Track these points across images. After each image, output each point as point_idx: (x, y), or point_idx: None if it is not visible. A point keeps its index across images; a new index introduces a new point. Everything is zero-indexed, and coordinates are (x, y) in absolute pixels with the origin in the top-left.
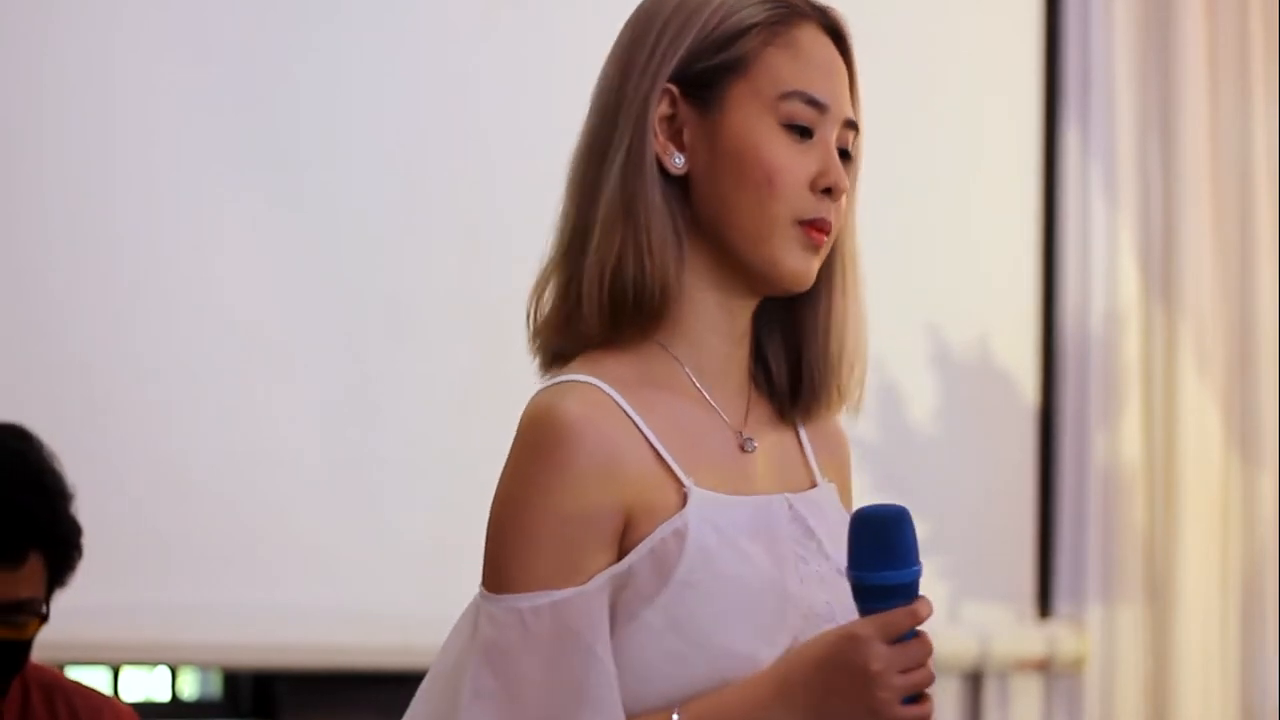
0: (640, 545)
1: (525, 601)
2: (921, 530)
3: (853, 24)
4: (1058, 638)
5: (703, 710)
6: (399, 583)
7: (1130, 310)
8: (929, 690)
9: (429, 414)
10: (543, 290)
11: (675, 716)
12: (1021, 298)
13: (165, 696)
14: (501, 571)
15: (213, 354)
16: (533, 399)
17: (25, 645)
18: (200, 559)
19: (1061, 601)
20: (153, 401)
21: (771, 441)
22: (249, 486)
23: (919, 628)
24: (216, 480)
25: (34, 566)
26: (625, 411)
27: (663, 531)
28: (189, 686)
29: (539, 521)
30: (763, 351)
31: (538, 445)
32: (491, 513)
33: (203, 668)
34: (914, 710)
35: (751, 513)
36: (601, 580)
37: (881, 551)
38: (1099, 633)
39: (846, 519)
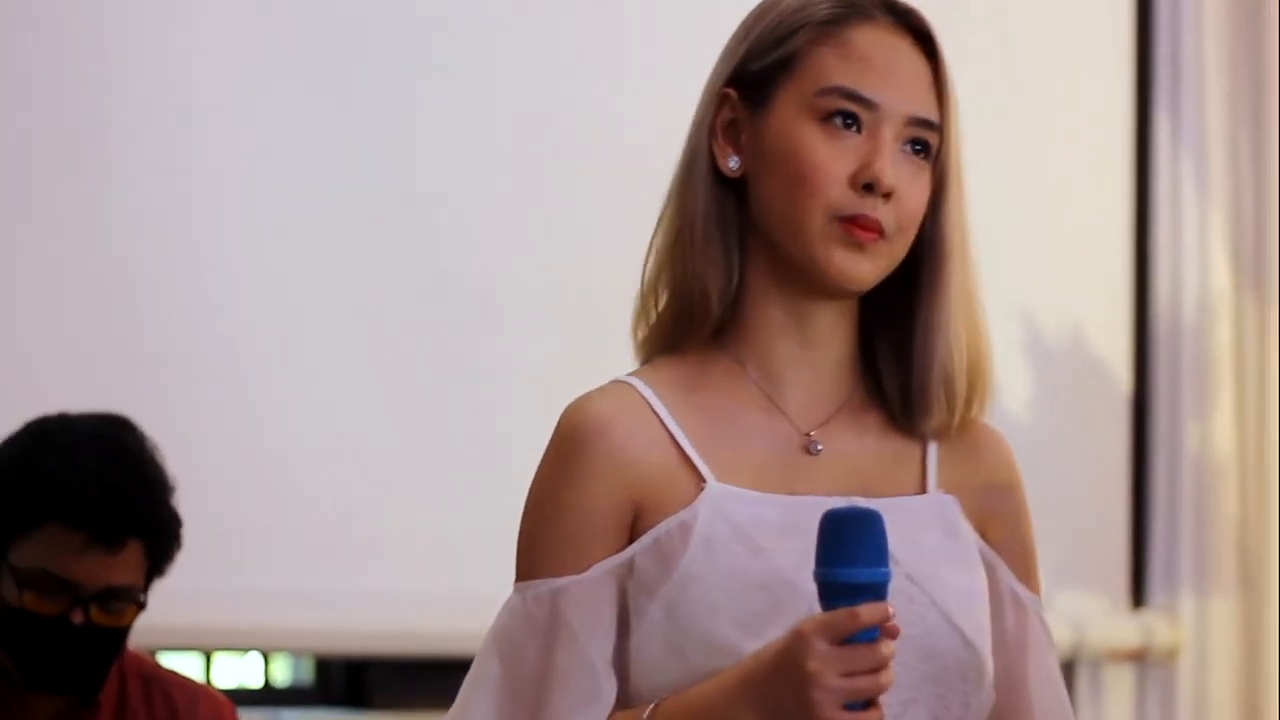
0: (644, 537)
1: (530, 590)
2: None
3: (943, 11)
4: (1151, 628)
5: (677, 703)
6: (491, 570)
7: (1222, 299)
8: (881, 701)
9: (519, 402)
10: (653, 296)
11: (649, 709)
12: (1114, 286)
13: (258, 683)
14: (521, 561)
15: (303, 342)
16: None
17: (122, 632)
18: (293, 546)
19: (1155, 591)
20: (244, 390)
21: (860, 446)
22: (342, 474)
23: (881, 635)
24: (310, 468)
25: (132, 554)
26: (654, 411)
27: (668, 524)
28: (281, 673)
29: (552, 514)
30: (875, 357)
31: (557, 443)
32: (523, 506)
33: (295, 654)
34: (853, 718)
35: (786, 510)
36: (600, 570)
37: (846, 550)
38: (1192, 623)
39: (957, 530)
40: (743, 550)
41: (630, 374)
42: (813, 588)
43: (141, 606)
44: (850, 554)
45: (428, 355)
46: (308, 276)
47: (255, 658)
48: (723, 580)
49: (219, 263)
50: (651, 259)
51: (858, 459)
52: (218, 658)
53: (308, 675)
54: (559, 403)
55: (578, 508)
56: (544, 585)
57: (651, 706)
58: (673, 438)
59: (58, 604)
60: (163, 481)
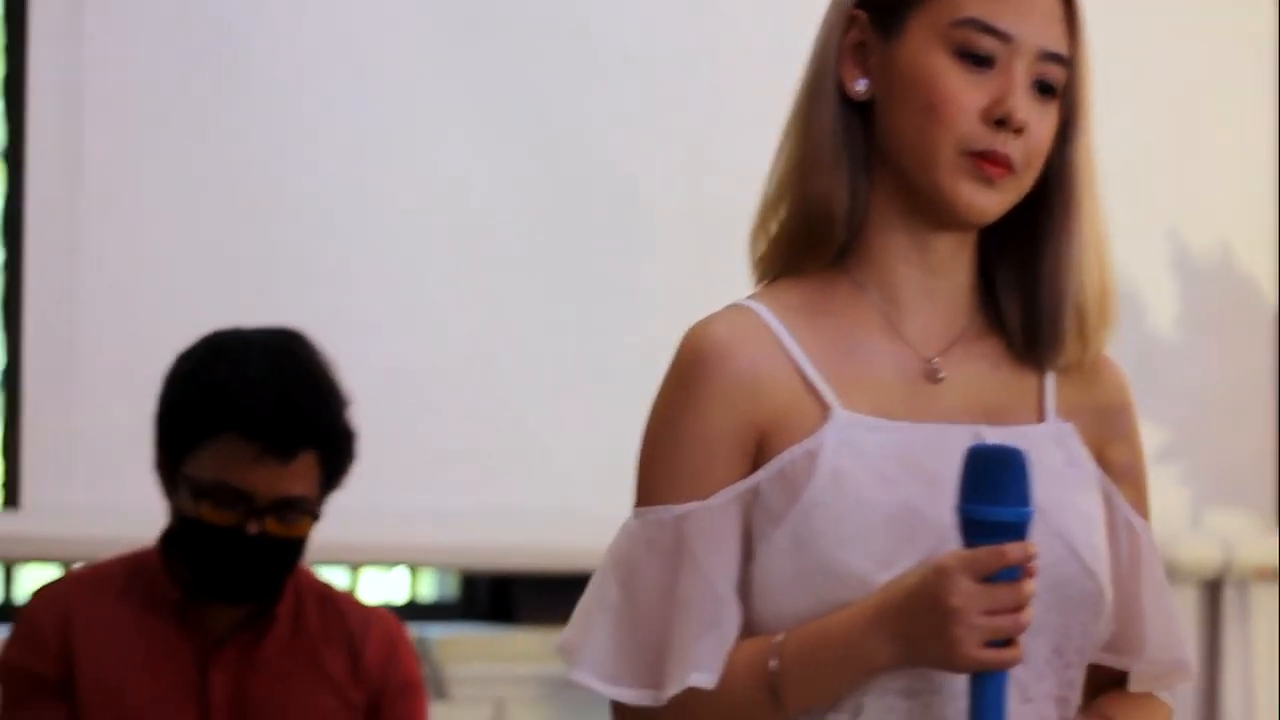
0: (769, 464)
1: (652, 515)
2: (1161, 437)
3: None
4: None
5: (805, 634)
6: (631, 485)
7: None
8: (1021, 640)
9: (668, 316)
10: (770, 215)
11: (779, 638)
12: (1261, 203)
13: (403, 598)
14: (641, 487)
15: (453, 256)
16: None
17: (296, 543)
18: (439, 461)
19: None
20: (394, 305)
21: (979, 374)
22: (488, 391)
23: (1024, 576)
24: (458, 383)
25: (306, 465)
26: (777, 336)
27: (794, 452)
28: (427, 588)
29: (676, 439)
30: (994, 285)
31: (678, 368)
32: (643, 431)
33: (441, 569)
34: (994, 655)
35: (915, 439)
36: (726, 496)
37: (991, 487)
38: None
39: (1075, 460)
40: (870, 479)
41: (750, 297)
42: (942, 519)
43: (315, 518)
44: (995, 492)
45: (577, 269)
46: (458, 188)
47: (401, 572)
48: (851, 510)
49: (369, 175)
50: (775, 176)
51: (978, 386)
52: (365, 572)
53: (453, 590)
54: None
55: (700, 433)
56: (666, 511)
57: (781, 637)
58: (795, 363)
59: (233, 514)
60: (336, 394)
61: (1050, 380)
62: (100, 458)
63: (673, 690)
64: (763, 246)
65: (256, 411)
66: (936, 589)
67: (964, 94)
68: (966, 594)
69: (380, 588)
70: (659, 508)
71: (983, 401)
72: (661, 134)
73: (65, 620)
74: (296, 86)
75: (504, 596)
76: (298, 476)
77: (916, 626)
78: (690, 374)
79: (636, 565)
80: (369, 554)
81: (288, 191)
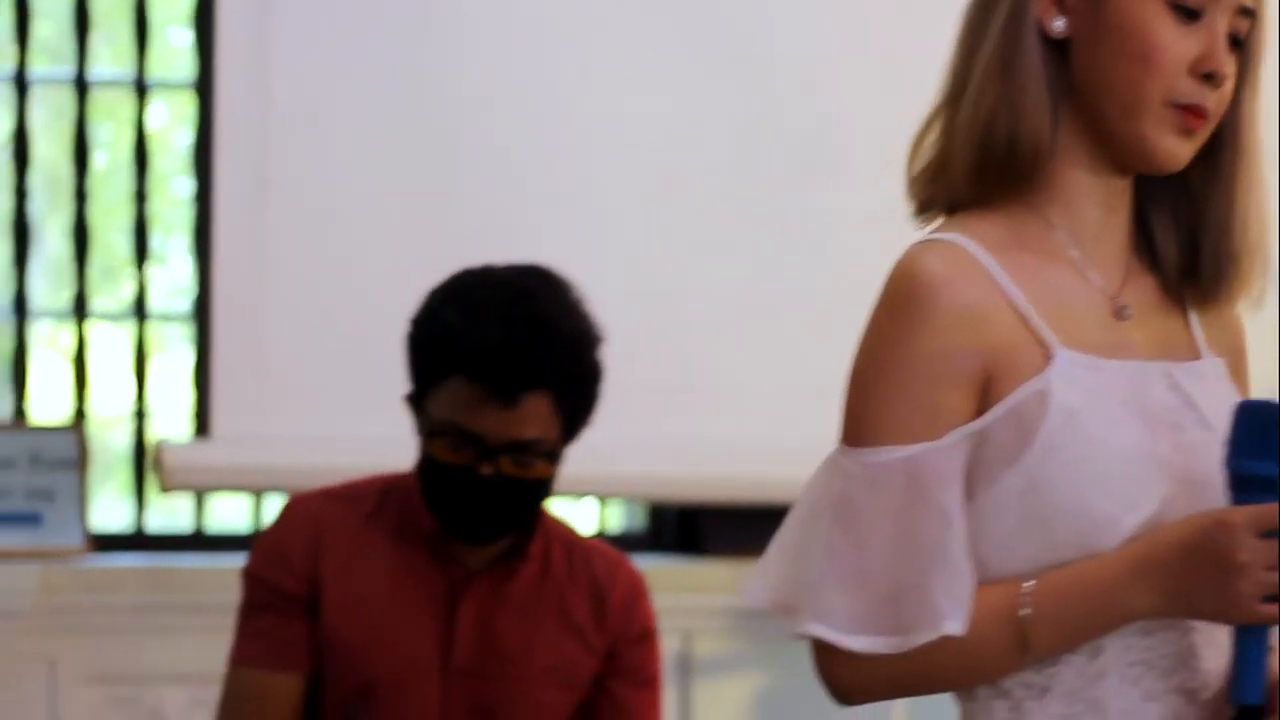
0: (999, 405)
1: (877, 456)
2: None
3: None
4: None
5: (1057, 582)
6: (822, 417)
7: None
8: None
9: (854, 249)
10: (924, 138)
11: (1028, 585)
12: None
13: (591, 528)
14: (856, 425)
15: (640, 193)
16: (899, 257)
17: (534, 485)
18: (628, 392)
19: None
20: (580, 240)
21: (1151, 312)
22: (677, 322)
23: None
24: (644, 316)
25: (539, 408)
26: (989, 272)
27: (1024, 392)
28: (615, 518)
29: (895, 376)
30: (1148, 224)
31: (898, 301)
32: (851, 367)
33: (629, 500)
34: (1271, 609)
35: (1124, 377)
36: (956, 437)
37: (1265, 443)
38: None
39: (1235, 395)
40: (1099, 419)
41: (945, 231)
42: (1171, 457)
43: (553, 460)
44: (1269, 447)
45: (767, 201)
46: (648, 120)
47: (590, 503)
48: (1089, 451)
49: (558, 111)
50: (969, 102)
51: (1153, 324)
52: (553, 503)
53: (640, 521)
54: (888, 252)
55: (924, 369)
56: (893, 452)
57: (1030, 585)
58: (1010, 299)
59: (466, 455)
60: (575, 336)
61: (1194, 319)
62: (289, 388)
63: (924, 638)
64: (939, 175)
65: (481, 354)
66: (1220, 543)
67: (1176, 46)
68: (1253, 549)
69: (568, 518)
70: (884, 449)
71: (1159, 339)
72: (851, 64)
73: (315, 538)
74: (486, 23)
75: (691, 528)
76: (529, 420)
77: (1192, 580)
78: (908, 308)
79: (860, 508)
80: (558, 485)
81: (476, 129)
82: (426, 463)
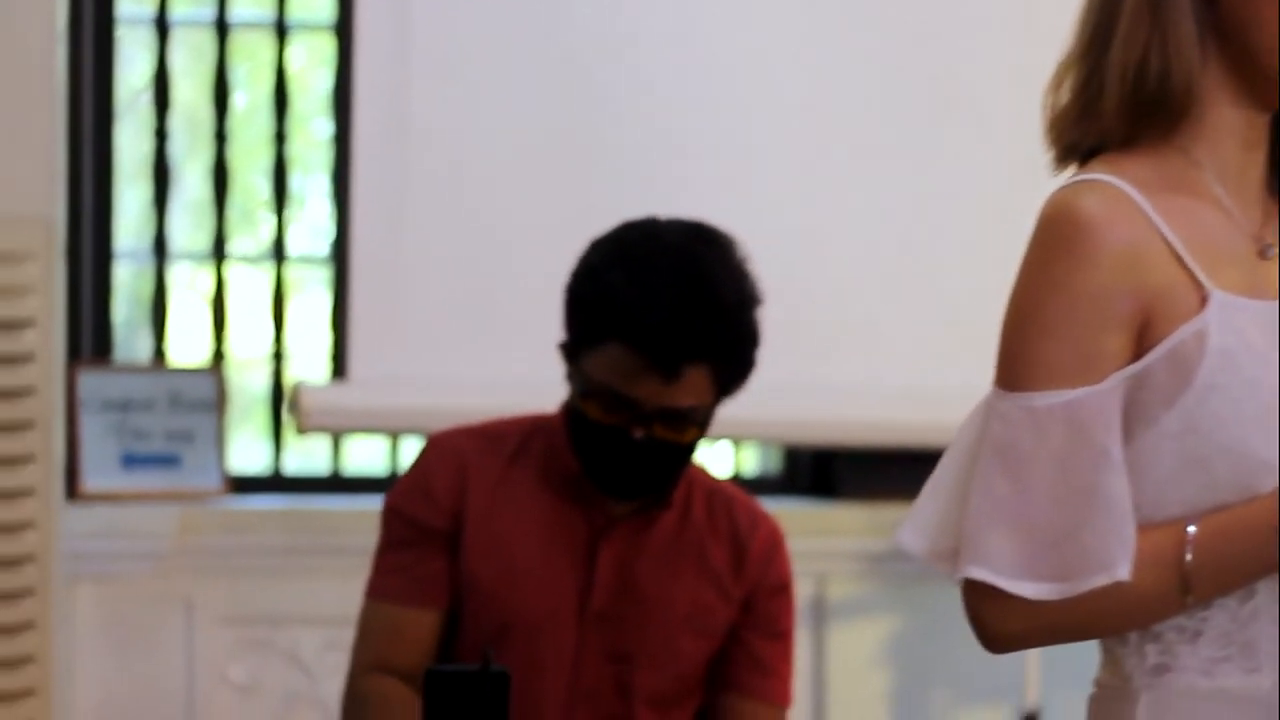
0: (1158, 346)
1: (1038, 400)
2: None
3: None
4: None
5: (1221, 527)
6: (957, 361)
7: None
8: None
9: (990, 194)
10: (1061, 81)
11: (1191, 530)
12: None
13: (726, 471)
14: (1014, 368)
15: (780, 135)
16: (1051, 197)
17: (684, 448)
18: (764, 336)
19: None
20: (721, 181)
21: None
22: (813, 265)
23: None
24: (781, 259)
25: (696, 378)
26: (1145, 212)
27: (1182, 333)
28: (749, 461)
29: (1054, 318)
30: None
31: (1055, 242)
32: (1007, 309)
33: (764, 443)
34: None
35: (1268, 318)
36: (1116, 380)
37: None
38: None
39: None
40: (1254, 360)
41: (1098, 171)
42: None
43: (704, 427)
44: None
45: (907, 143)
46: (790, 62)
47: (724, 446)
48: (1247, 392)
49: (698, 56)
50: (1120, 43)
51: None
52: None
53: (776, 464)
54: (1033, 196)
55: (1085, 306)
56: (1056, 397)
57: (1193, 530)
58: (1166, 240)
59: (619, 418)
60: (737, 303)
61: None
62: (426, 330)
63: (1092, 583)
64: (1065, 103)
65: (645, 326)
66: None
67: None
68: None
69: (704, 461)
70: (1044, 393)
71: None
72: (982, 14)
73: (460, 475)
74: None
75: (826, 471)
76: (685, 390)
77: None
78: (1067, 248)
79: (1023, 453)
80: None
81: (619, 73)
82: (576, 417)
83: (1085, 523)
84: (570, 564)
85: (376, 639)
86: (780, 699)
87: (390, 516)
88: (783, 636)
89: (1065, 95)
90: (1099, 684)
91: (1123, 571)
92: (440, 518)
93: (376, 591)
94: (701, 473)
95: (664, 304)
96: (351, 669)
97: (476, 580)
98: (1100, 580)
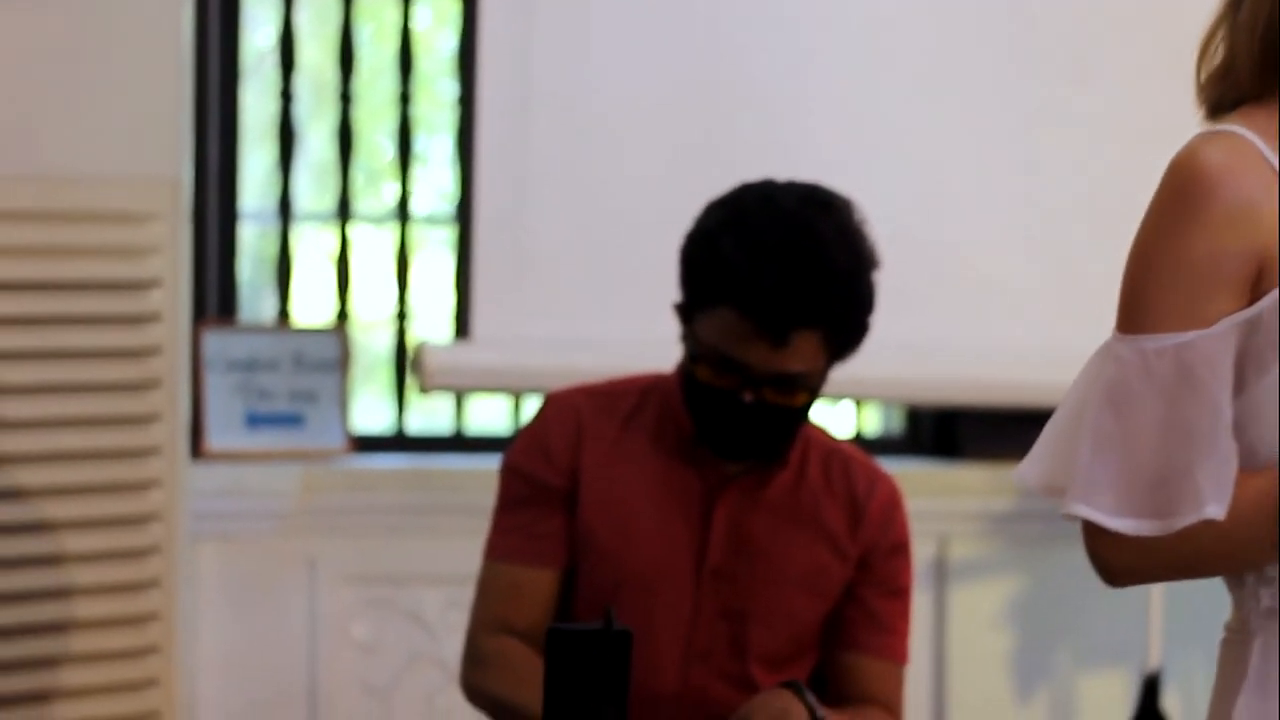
0: (1273, 293)
1: (1150, 343)
2: None
3: None
4: None
5: None
6: (1081, 322)
7: None
8: None
9: (1114, 153)
10: (1210, 42)
11: None
12: None
13: (848, 431)
14: (1130, 311)
15: (902, 93)
16: (1182, 148)
17: (796, 412)
18: (887, 295)
19: None
20: (840, 138)
21: None
22: (937, 224)
23: None
24: (905, 218)
25: (807, 344)
26: (1268, 161)
27: None
28: (872, 422)
29: (1169, 264)
30: None
31: (1175, 191)
32: (1129, 252)
33: (886, 403)
34: None
35: None
36: (1227, 325)
37: None
38: None
39: None
40: None
41: (1230, 123)
42: None
43: (816, 392)
44: None
45: (1025, 103)
46: (909, 19)
47: (847, 406)
48: None
49: (826, 12)
50: (1249, 1)
51: None
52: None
53: (898, 424)
54: (1161, 155)
55: (1201, 259)
56: (1166, 339)
57: None
58: None
59: (730, 381)
60: (849, 268)
61: None
62: (549, 290)
63: (1186, 521)
64: (1215, 63)
65: (755, 292)
66: None
67: None
68: None
69: (824, 421)
70: (1158, 335)
71: None
72: None
73: (577, 433)
74: None
75: (949, 431)
76: (796, 355)
77: None
78: (1189, 199)
79: (1132, 393)
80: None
81: (743, 33)
82: (689, 378)
83: (1185, 464)
84: (685, 522)
85: (495, 599)
86: (898, 656)
87: (508, 475)
88: (900, 594)
89: (1213, 55)
90: (1226, 628)
91: (1214, 511)
92: (558, 476)
93: (495, 551)
94: (820, 432)
95: (774, 270)
96: (470, 629)
97: (592, 538)
98: (1192, 519)
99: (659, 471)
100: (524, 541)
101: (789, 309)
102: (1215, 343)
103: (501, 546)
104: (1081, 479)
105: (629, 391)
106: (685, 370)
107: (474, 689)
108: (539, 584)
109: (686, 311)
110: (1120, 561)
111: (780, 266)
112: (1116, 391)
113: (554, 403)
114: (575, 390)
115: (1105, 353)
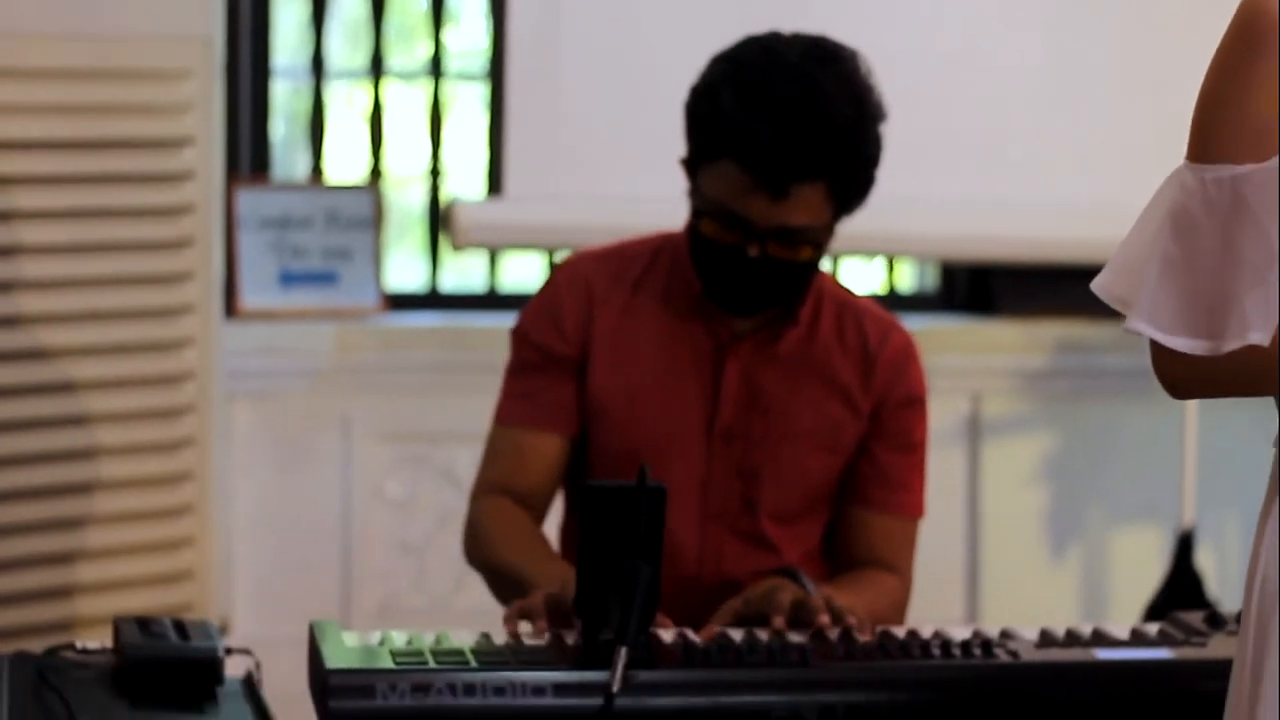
0: None
1: (1210, 173)
2: None
3: None
4: None
5: None
6: (1119, 176)
7: None
8: None
9: (1144, 13)
10: None
11: None
12: None
13: (882, 288)
14: (1197, 142)
15: None
16: None
17: (801, 267)
18: (920, 150)
19: None
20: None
21: None
22: (972, 79)
23: None
24: (940, 73)
25: (810, 197)
26: None
27: None
28: (906, 278)
29: (1233, 100)
30: None
31: (1243, 30)
32: (1201, 85)
33: (920, 259)
34: None
35: None
36: None
37: None
38: None
39: None
40: None
41: None
42: None
43: (821, 247)
44: None
45: None
46: None
47: (880, 263)
48: None
49: None
50: None
51: None
52: (844, 262)
53: (932, 281)
54: (1183, 6)
55: (1262, 98)
56: (1226, 170)
57: None
58: None
59: (733, 236)
60: (851, 121)
61: None
62: (581, 146)
63: (1233, 344)
64: None
65: (753, 146)
66: None
67: None
68: None
69: (859, 278)
70: (1218, 166)
71: None
72: None
73: (586, 301)
74: None
75: (983, 287)
76: (798, 208)
77: None
78: (1257, 36)
79: (1194, 220)
80: (849, 243)
81: None
82: (695, 234)
83: (1237, 290)
84: (696, 381)
85: (499, 461)
86: (911, 511)
87: (517, 341)
88: (914, 449)
89: None
90: (1276, 444)
91: (1258, 338)
92: (567, 345)
93: (503, 416)
94: (834, 286)
95: (773, 122)
96: (473, 491)
97: (605, 403)
98: (1238, 343)
99: (669, 331)
100: (530, 407)
101: (788, 161)
102: (1270, 176)
103: (508, 411)
104: (1145, 296)
105: (640, 253)
106: (691, 226)
107: (467, 553)
108: (543, 448)
109: (691, 166)
110: (1171, 373)
111: (779, 118)
112: (1180, 218)
113: (564, 271)
114: (585, 256)
115: (1174, 178)
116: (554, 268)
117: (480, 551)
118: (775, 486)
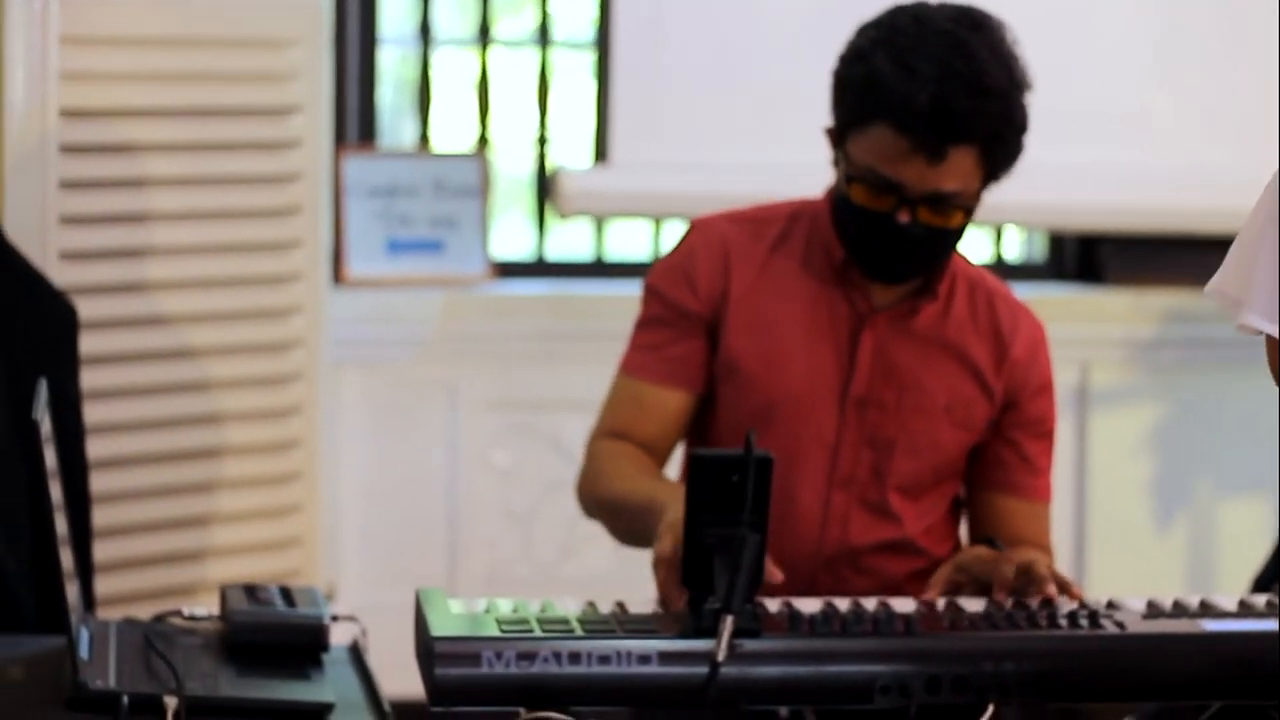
0: None
1: None
2: None
3: None
4: None
5: None
6: (1229, 146)
7: None
8: None
9: None
10: None
11: None
12: None
13: (989, 257)
14: None
15: None
16: None
17: (950, 233)
18: (1032, 119)
19: None
20: None
21: None
22: (1083, 47)
23: None
24: (1051, 42)
25: (962, 162)
26: None
27: None
28: (1013, 247)
29: None
30: None
31: None
32: None
33: (1029, 229)
34: None
35: None
36: None
37: None
38: None
39: None
40: None
41: None
42: None
43: (970, 212)
44: None
45: None
46: None
47: (986, 232)
48: None
49: None
50: None
51: None
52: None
53: (1040, 250)
54: None
55: None
56: None
57: None
58: None
59: (885, 202)
60: (1003, 86)
61: None
62: (687, 114)
63: None
64: None
65: (910, 108)
66: None
67: None
68: None
69: (967, 247)
70: None
71: None
72: None
73: (723, 260)
74: None
75: (1092, 257)
76: (951, 173)
77: None
78: None
79: None
80: None
81: None
82: (842, 202)
83: None
84: (832, 349)
85: (620, 409)
86: (1048, 495)
87: (649, 295)
88: (1049, 435)
89: None
90: None
91: None
92: (698, 302)
93: (628, 367)
94: (967, 265)
95: (929, 85)
96: (590, 436)
97: (739, 363)
98: None
99: (807, 298)
100: (657, 361)
101: (945, 123)
102: None
103: (634, 363)
104: (1255, 292)
105: (775, 217)
106: (838, 193)
107: (583, 495)
108: (664, 402)
109: (840, 133)
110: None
111: (935, 82)
112: None
113: (700, 228)
114: (721, 216)
115: None
116: (689, 227)
117: (600, 488)
118: (907, 458)
